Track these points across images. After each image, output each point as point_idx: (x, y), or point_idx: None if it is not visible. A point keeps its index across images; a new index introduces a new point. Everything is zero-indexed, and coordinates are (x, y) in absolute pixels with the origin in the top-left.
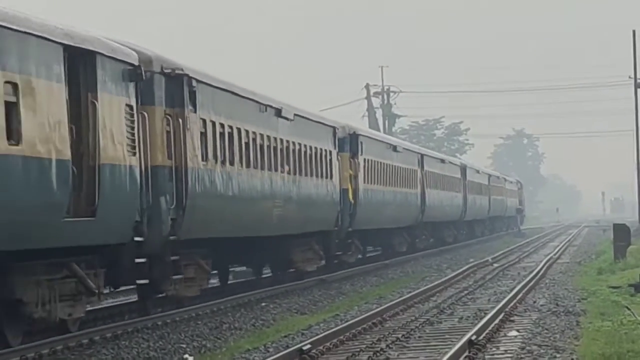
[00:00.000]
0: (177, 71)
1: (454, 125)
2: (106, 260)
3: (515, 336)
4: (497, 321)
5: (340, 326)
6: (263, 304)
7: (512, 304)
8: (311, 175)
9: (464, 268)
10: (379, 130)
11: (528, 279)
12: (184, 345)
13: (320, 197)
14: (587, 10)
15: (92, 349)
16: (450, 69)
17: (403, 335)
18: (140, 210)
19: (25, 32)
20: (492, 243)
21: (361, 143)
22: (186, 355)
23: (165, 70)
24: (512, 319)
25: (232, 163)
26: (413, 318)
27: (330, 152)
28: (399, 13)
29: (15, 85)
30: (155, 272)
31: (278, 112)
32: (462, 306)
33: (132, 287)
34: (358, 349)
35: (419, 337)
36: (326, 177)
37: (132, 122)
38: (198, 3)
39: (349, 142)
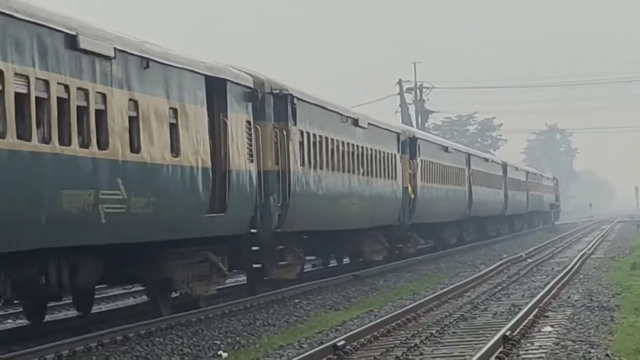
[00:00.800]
0: (283, 91)
1: (486, 121)
2: (229, 248)
3: (550, 332)
4: (531, 317)
5: (374, 322)
6: (296, 301)
7: (546, 300)
8: (380, 176)
9: (497, 264)
10: (411, 125)
11: (562, 274)
12: (218, 342)
13: (387, 195)
14: (616, 7)
15: (127, 345)
16: (482, 65)
17: (437, 331)
18: (255, 207)
19: (181, 68)
20: (525, 238)
21: (419, 146)
22: (220, 352)
23: (274, 91)
24: (546, 314)
25: (321, 167)
26: (447, 314)
27: (395, 155)
28: (427, 10)
29: (175, 110)
30: (265, 259)
31: (355, 122)
32: (496, 302)
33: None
34: (392, 345)
35: (453, 332)
36: (392, 178)
37: (250, 135)
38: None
39: (409, 145)
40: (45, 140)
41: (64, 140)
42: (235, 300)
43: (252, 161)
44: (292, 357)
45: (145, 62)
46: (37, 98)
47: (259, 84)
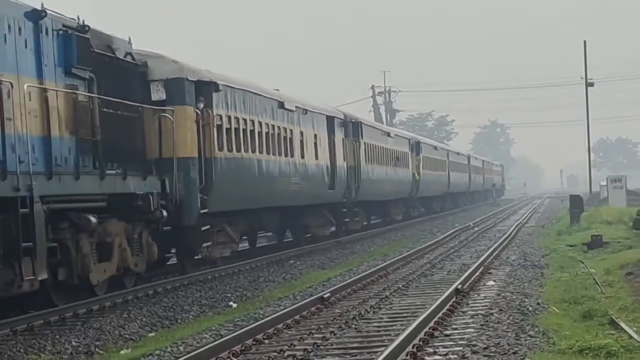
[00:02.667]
0: (356, 120)
1: (441, 118)
2: (336, 208)
3: (493, 285)
4: (478, 273)
5: (353, 278)
6: (291, 261)
7: (489, 260)
8: (398, 166)
9: (450, 231)
10: (382, 122)
11: (502, 239)
12: (229, 295)
13: (402, 179)
14: (549, 22)
15: (156, 298)
16: (438, 72)
17: (403, 285)
18: (347, 187)
19: (318, 112)
20: (472, 212)
21: (421, 147)
22: (231, 303)
23: (352, 120)
24: (489, 271)
25: (372, 162)
26: (411, 271)
27: (408, 153)
28: (394, 19)
29: (316, 136)
30: (347, 216)
31: (387, 134)
32: (450, 262)
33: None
34: (367, 296)
35: (416, 286)
36: (405, 167)
37: (343, 147)
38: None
39: (415, 147)
40: (273, 153)
41: (278, 153)
42: (243, 261)
43: (344, 160)
44: (288, 306)
45: (304, 111)
46: (266, 134)
47: (346, 116)
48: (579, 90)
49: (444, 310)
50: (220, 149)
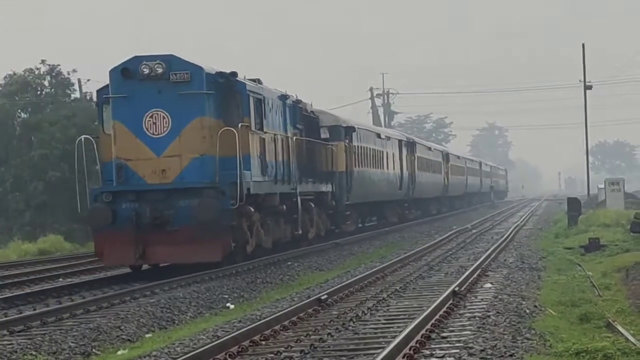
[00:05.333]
0: (412, 140)
1: (440, 120)
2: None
3: (490, 287)
4: (475, 275)
5: (351, 280)
6: (289, 263)
7: (487, 262)
8: (436, 172)
9: (448, 233)
10: (380, 124)
11: (500, 242)
12: (226, 296)
13: (438, 182)
14: (547, 24)
15: (154, 299)
16: (438, 75)
17: (400, 287)
18: (407, 188)
19: (393, 138)
20: (470, 214)
21: (415, 146)
22: (228, 304)
23: (410, 141)
24: (487, 274)
25: (422, 170)
26: (408, 273)
27: (441, 162)
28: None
29: (394, 154)
30: (407, 209)
31: (429, 148)
32: (447, 264)
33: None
34: (365, 298)
35: (413, 288)
36: (439, 173)
37: (406, 161)
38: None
39: (408, 146)
40: (375, 167)
41: (378, 166)
42: (240, 263)
43: (407, 169)
44: (285, 308)
45: (388, 138)
46: (372, 155)
47: (407, 138)
48: (577, 93)
49: (441, 312)
50: (356, 166)
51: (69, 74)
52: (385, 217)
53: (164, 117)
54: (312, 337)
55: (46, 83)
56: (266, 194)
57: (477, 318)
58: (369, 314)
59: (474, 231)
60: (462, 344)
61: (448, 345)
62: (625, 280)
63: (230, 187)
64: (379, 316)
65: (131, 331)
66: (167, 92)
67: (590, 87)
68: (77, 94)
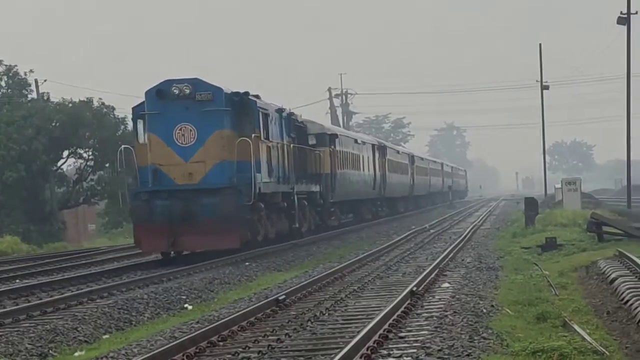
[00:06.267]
0: (383, 145)
1: (398, 120)
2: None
3: (447, 287)
4: (433, 275)
5: (309, 280)
6: (247, 263)
7: (445, 262)
8: (404, 174)
9: (406, 233)
10: (338, 125)
11: (457, 241)
12: (184, 297)
13: (405, 182)
14: (504, 25)
15: (111, 300)
16: (396, 75)
17: (359, 287)
18: (380, 188)
19: (368, 143)
20: (430, 213)
21: (386, 150)
22: (186, 304)
23: (381, 145)
24: (445, 273)
25: (391, 172)
26: (366, 274)
27: (407, 164)
28: (351, 29)
29: (368, 157)
30: (379, 207)
31: (397, 152)
32: (405, 264)
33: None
34: (323, 299)
35: (371, 288)
36: (406, 174)
37: (378, 163)
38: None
39: (380, 150)
40: (353, 169)
41: (356, 168)
42: (198, 263)
43: (379, 171)
44: (243, 308)
45: (363, 142)
46: (351, 158)
47: (380, 143)
48: (535, 93)
49: (399, 312)
50: (339, 168)
51: (25, 74)
52: (361, 214)
53: (190, 130)
54: (270, 337)
55: (2, 83)
56: (272, 192)
57: (435, 318)
58: (327, 315)
59: (432, 231)
60: (419, 344)
61: (406, 345)
62: (581, 280)
63: (245, 187)
64: (337, 316)
65: (88, 332)
66: (193, 109)
67: (547, 87)
68: (34, 95)
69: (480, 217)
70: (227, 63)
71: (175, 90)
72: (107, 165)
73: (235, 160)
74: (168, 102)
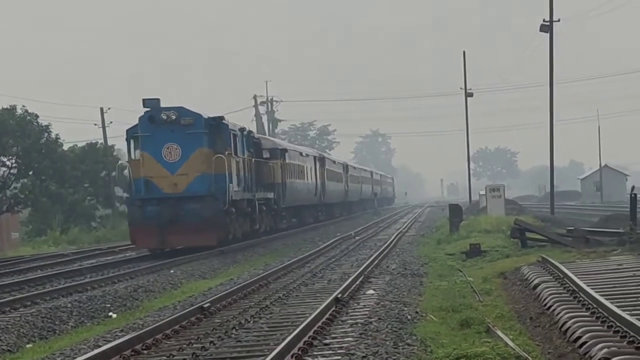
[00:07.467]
0: (322, 156)
1: (324, 127)
2: (316, 207)
3: (372, 294)
4: (358, 282)
5: (234, 287)
6: (172, 271)
7: (370, 269)
8: (339, 182)
9: (332, 240)
10: (264, 132)
11: (382, 248)
12: (109, 305)
13: (340, 190)
14: (425, 32)
15: (34, 308)
16: (321, 83)
17: (284, 294)
18: (320, 195)
19: (311, 155)
20: (357, 220)
21: (325, 160)
22: (110, 313)
23: (321, 156)
24: (370, 280)
25: (329, 180)
26: (292, 281)
27: (342, 173)
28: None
29: (310, 167)
30: (320, 212)
31: (334, 162)
32: (331, 271)
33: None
34: (248, 306)
35: (296, 295)
36: (340, 182)
37: (319, 173)
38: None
39: (320, 161)
40: (299, 178)
41: (301, 178)
42: (121, 272)
43: (320, 179)
44: (168, 316)
45: (307, 155)
46: (297, 169)
47: (320, 154)
48: (459, 100)
49: (324, 319)
50: (288, 177)
51: None
52: (304, 218)
53: (176, 148)
54: (194, 345)
55: None
56: (240, 199)
57: (360, 324)
58: (252, 322)
59: (357, 238)
60: (344, 351)
61: (330, 352)
62: (505, 286)
63: (221, 195)
64: (262, 324)
65: (11, 341)
66: (178, 131)
67: (471, 95)
68: None
69: (406, 224)
70: (154, 69)
71: (163, 116)
72: (30, 173)
73: (213, 173)
74: (157, 125)
